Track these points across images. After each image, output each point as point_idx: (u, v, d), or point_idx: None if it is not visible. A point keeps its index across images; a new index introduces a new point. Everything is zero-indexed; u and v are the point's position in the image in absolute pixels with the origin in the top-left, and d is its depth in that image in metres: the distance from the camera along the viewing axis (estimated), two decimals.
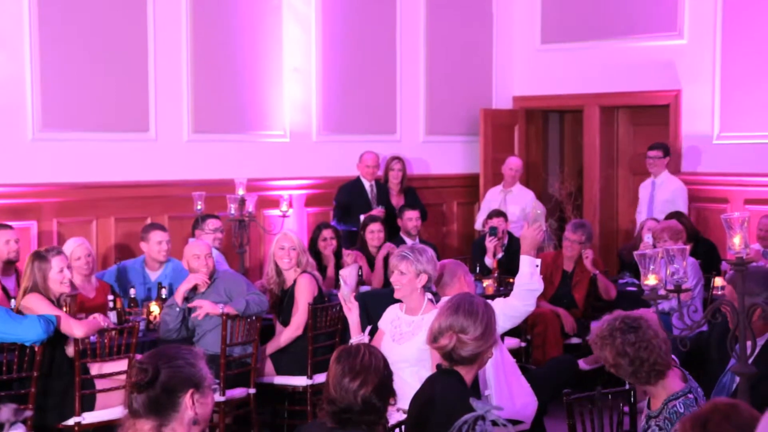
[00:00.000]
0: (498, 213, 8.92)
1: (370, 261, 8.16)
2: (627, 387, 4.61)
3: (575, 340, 7.95)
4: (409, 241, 8.57)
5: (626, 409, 4.59)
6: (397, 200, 9.52)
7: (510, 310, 5.17)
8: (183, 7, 8.66)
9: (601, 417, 4.40)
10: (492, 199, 10.03)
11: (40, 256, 5.76)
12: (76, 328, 5.64)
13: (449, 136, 10.77)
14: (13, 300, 6.22)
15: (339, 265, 7.82)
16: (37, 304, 5.64)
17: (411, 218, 8.78)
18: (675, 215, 8.54)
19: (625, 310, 8.15)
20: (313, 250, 7.88)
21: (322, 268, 7.78)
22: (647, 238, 8.11)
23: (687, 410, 3.65)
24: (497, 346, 4.27)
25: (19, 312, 5.65)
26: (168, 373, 2.85)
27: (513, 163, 10.05)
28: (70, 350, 5.67)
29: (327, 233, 7.97)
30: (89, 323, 5.76)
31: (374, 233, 8.25)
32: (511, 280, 7.91)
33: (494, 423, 2.96)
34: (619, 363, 3.69)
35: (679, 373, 3.77)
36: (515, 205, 9.83)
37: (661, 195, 9.38)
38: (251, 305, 6.25)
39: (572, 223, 8.33)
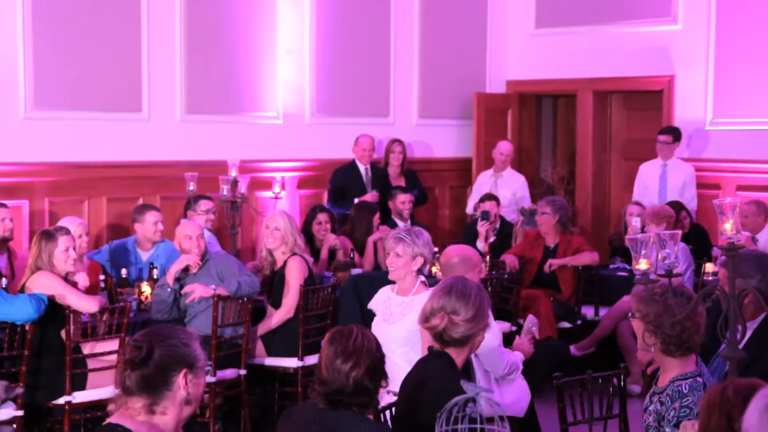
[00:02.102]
0: (489, 197, 8.93)
1: (357, 245, 8.15)
2: (617, 370, 4.62)
3: (565, 324, 7.96)
4: (401, 223, 8.58)
5: (615, 381, 4.59)
6: (397, 183, 9.50)
7: (490, 360, 5.12)
8: None
9: (591, 400, 4.42)
10: (483, 183, 10.02)
11: (48, 234, 5.79)
12: (89, 303, 5.69)
13: (442, 120, 10.76)
14: (4, 279, 6.22)
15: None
16: (47, 282, 5.66)
17: (404, 201, 8.81)
18: (675, 204, 8.54)
19: (616, 295, 8.22)
20: (307, 231, 7.86)
21: (316, 250, 7.79)
22: (635, 222, 8.12)
23: (692, 392, 3.69)
24: (489, 330, 4.27)
25: (21, 290, 5.67)
26: (162, 352, 2.86)
27: (503, 148, 10.02)
28: (72, 330, 5.70)
29: (322, 217, 7.96)
30: (99, 297, 5.84)
31: (376, 220, 8.28)
32: (502, 261, 7.97)
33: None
34: (661, 322, 3.69)
35: (694, 358, 3.81)
36: (506, 189, 9.82)
37: (674, 179, 9.33)
38: (243, 287, 6.25)
39: (544, 198, 8.39)
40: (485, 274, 7.56)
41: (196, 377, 2.91)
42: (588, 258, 7.94)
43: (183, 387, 2.87)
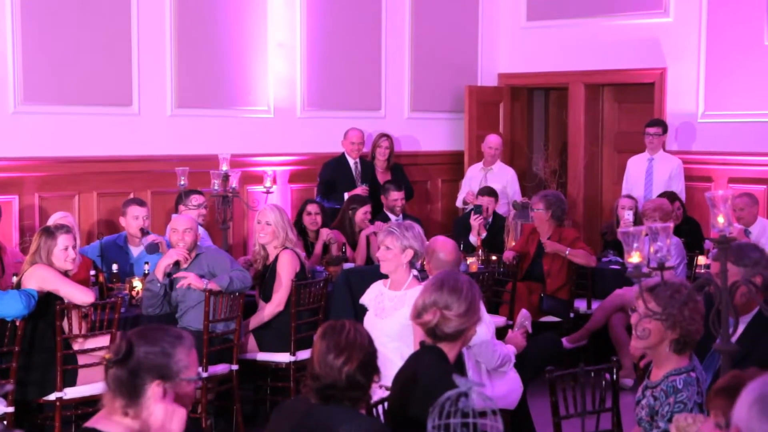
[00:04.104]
0: (488, 191, 8.87)
1: (349, 239, 8.14)
2: (609, 364, 4.61)
3: (552, 318, 7.94)
4: (393, 217, 8.59)
5: (607, 376, 4.59)
6: (383, 177, 9.47)
7: (482, 352, 5.17)
8: None
9: (584, 394, 4.41)
10: (472, 176, 10.00)
11: (48, 232, 5.77)
12: (85, 295, 5.68)
13: (434, 113, 10.74)
14: None
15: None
16: (43, 274, 5.65)
17: (396, 199, 8.81)
18: (668, 195, 8.53)
19: (609, 288, 8.20)
20: (299, 226, 7.86)
21: (309, 244, 7.80)
22: (627, 215, 8.11)
23: (686, 387, 3.69)
24: (481, 324, 4.27)
25: (18, 284, 5.66)
26: (138, 358, 2.77)
27: (492, 142, 10.00)
28: (66, 325, 5.69)
29: (312, 208, 7.98)
30: (91, 290, 5.84)
31: (366, 214, 8.26)
32: (495, 258, 7.96)
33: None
34: (685, 318, 3.72)
35: (688, 353, 3.81)
36: (496, 183, 9.78)
37: (660, 173, 9.33)
38: (234, 281, 6.23)
39: (538, 193, 8.35)
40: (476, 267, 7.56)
41: (175, 388, 2.81)
42: (584, 258, 7.84)
43: (153, 396, 2.78)
